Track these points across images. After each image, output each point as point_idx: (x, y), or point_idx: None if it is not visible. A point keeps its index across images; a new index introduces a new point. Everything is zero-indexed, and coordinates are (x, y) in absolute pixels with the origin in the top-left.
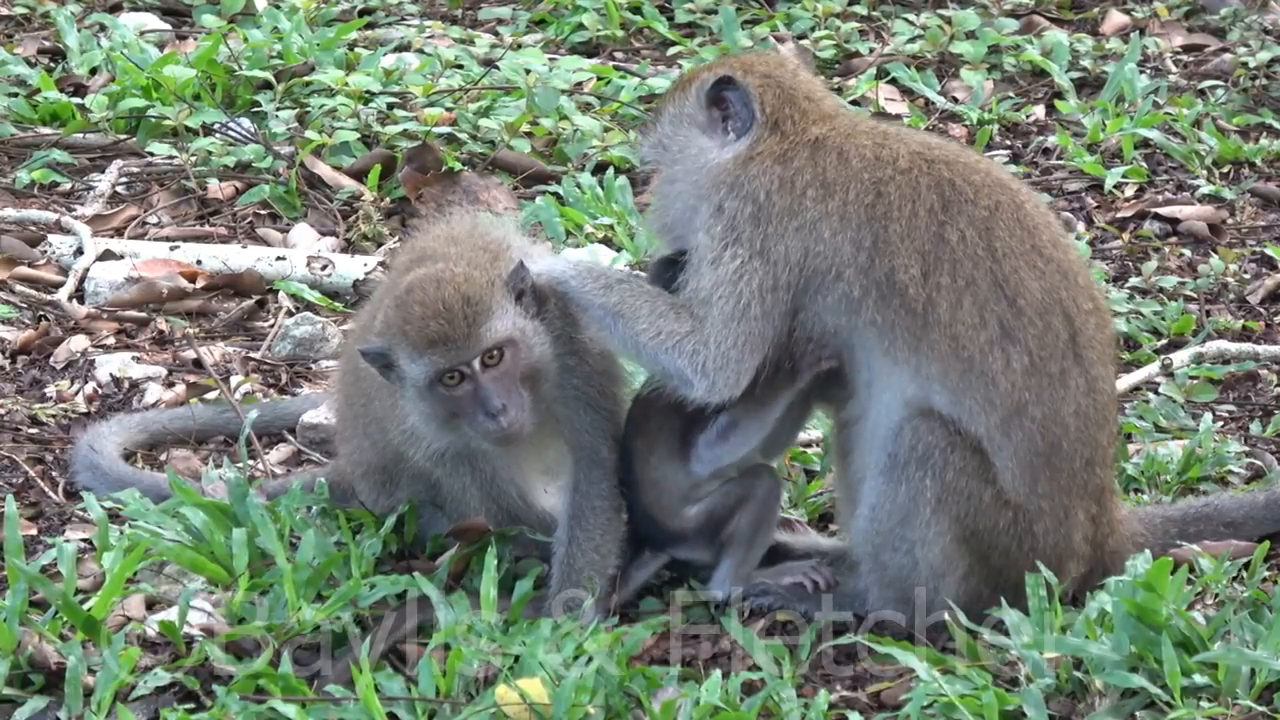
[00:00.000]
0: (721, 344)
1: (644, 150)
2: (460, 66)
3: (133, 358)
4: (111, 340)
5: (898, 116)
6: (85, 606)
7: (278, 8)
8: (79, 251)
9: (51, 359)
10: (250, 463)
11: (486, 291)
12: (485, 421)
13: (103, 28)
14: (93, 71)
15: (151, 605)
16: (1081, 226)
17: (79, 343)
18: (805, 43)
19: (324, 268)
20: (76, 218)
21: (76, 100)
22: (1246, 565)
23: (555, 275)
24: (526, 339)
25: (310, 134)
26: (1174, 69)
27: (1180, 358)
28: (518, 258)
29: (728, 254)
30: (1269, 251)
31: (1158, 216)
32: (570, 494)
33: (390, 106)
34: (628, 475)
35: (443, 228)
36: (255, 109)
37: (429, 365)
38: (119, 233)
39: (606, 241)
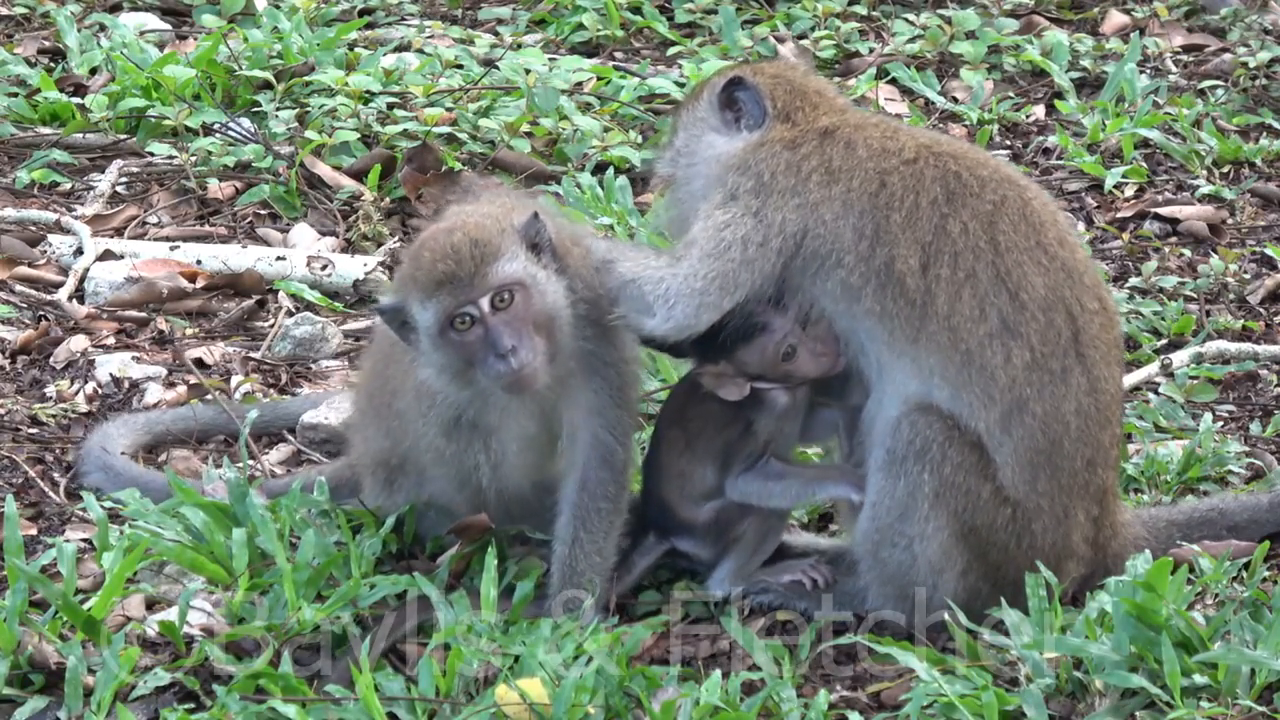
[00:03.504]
0: (690, 276)
1: (661, 165)
2: (460, 66)
3: (133, 358)
4: (111, 340)
5: (898, 116)
6: (85, 606)
7: (278, 8)
8: (79, 251)
9: (51, 359)
10: (250, 463)
11: (496, 236)
12: (496, 363)
13: (103, 28)
14: (93, 71)
15: (151, 605)
16: (1081, 226)
17: (79, 343)
18: (805, 43)
19: (324, 268)
20: (76, 218)
21: (76, 100)
22: (1246, 565)
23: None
24: (538, 285)
25: (310, 134)
26: (1174, 69)
27: (1180, 358)
28: (534, 210)
29: (720, 210)
30: (1269, 251)
31: (1158, 216)
32: (578, 492)
33: (390, 106)
34: (652, 459)
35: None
36: (255, 109)
37: (438, 308)
38: (119, 233)
39: None
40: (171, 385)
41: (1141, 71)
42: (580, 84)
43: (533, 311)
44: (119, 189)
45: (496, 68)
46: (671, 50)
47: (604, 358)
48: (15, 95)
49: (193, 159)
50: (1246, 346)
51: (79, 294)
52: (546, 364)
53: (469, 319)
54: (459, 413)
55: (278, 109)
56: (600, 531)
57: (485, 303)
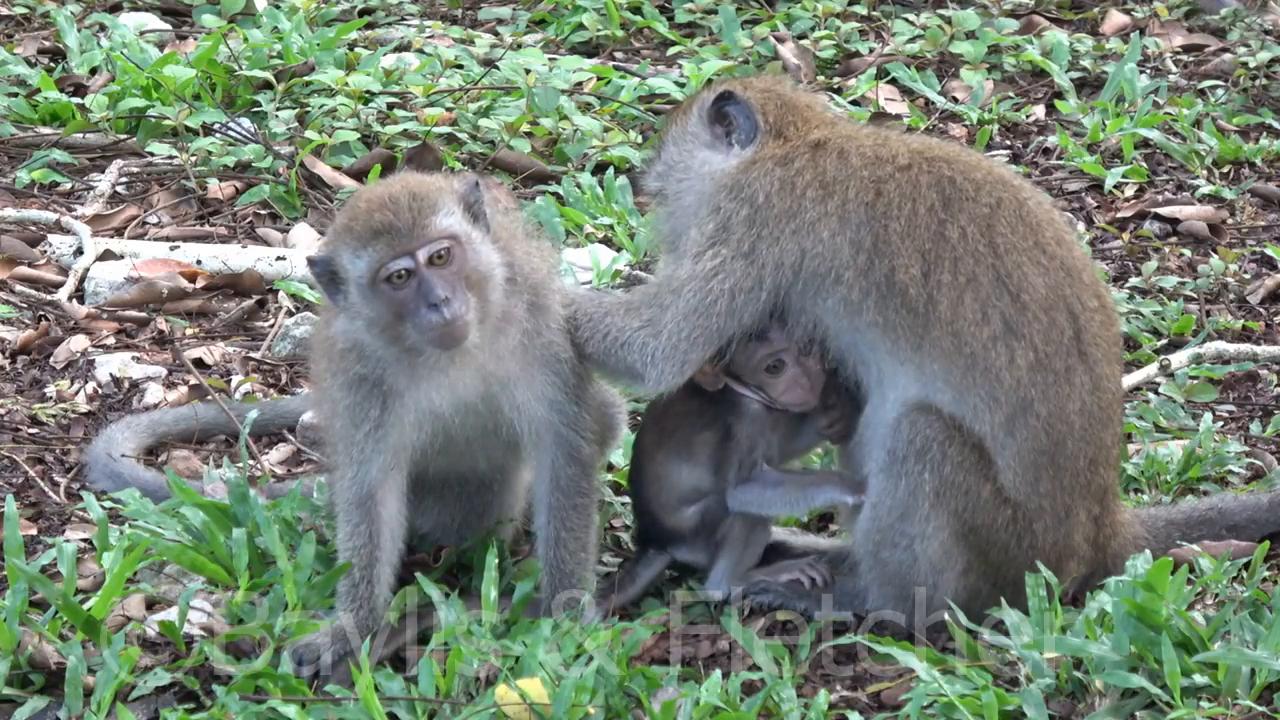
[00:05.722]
0: (674, 335)
1: (648, 181)
2: (460, 66)
3: (133, 358)
4: (111, 340)
5: (898, 116)
6: (85, 606)
7: (278, 8)
8: (79, 251)
9: (51, 359)
10: (250, 463)
11: (435, 192)
12: (428, 314)
13: (103, 28)
14: (93, 71)
15: (151, 605)
16: (1081, 226)
17: (79, 343)
18: (805, 43)
19: None
20: (76, 218)
21: (76, 100)
22: (1246, 565)
23: None
24: (473, 243)
25: (310, 134)
26: (1174, 69)
27: (1180, 358)
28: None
29: (710, 251)
30: (1269, 251)
31: (1158, 216)
32: (551, 493)
33: (390, 106)
34: (634, 467)
35: None
36: (255, 109)
37: (372, 257)
38: (119, 233)
39: (606, 241)
40: (172, 385)
41: (1141, 71)
42: (580, 84)
43: (467, 269)
44: (119, 189)
45: (496, 68)
46: (671, 50)
47: (557, 354)
48: (15, 95)
49: (193, 159)
50: (1246, 347)
51: (79, 294)
52: (478, 321)
53: (404, 273)
54: (378, 372)
55: (278, 109)
56: (580, 527)
57: (423, 254)
